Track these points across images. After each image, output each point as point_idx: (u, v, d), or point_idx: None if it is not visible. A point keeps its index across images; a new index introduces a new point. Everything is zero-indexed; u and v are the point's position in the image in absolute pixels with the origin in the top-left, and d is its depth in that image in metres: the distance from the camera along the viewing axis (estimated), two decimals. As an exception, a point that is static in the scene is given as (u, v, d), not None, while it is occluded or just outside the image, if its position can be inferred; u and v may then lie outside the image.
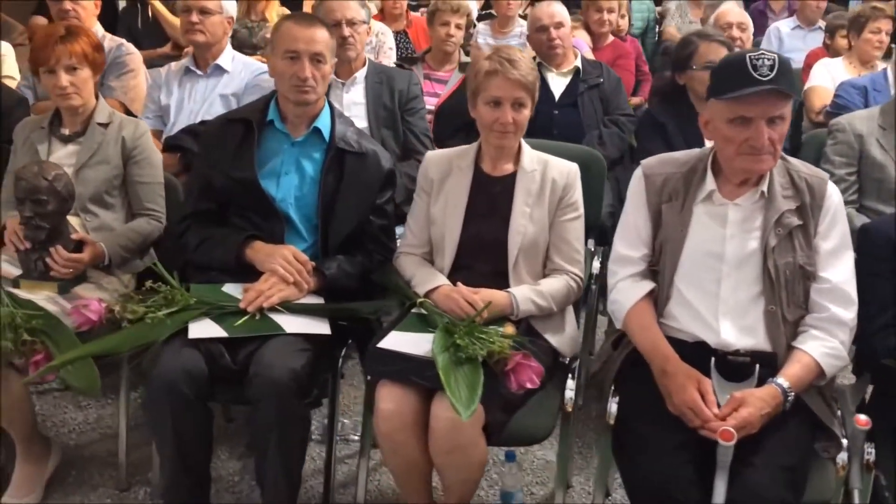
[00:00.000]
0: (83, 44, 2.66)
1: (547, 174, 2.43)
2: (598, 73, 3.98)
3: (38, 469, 2.58)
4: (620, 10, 5.21)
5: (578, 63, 3.98)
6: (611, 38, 5.05)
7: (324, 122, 2.55)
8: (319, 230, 2.52)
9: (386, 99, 3.44)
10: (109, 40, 3.75)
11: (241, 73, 3.54)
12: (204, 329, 2.20)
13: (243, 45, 5.18)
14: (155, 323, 2.18)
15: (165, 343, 2.17)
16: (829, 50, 5.32)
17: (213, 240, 2.48)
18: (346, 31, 3.32)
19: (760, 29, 7.19)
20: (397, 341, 2.12)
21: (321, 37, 2.43)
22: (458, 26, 4.25)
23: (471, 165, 2.47)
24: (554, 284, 2.37)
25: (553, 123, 3.81)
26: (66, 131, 2.75)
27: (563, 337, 2.39)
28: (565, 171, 2.45)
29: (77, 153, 2.70)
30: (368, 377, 2.21)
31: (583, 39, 4.89)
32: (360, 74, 3.46)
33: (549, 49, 3.96)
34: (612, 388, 2.22)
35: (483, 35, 5.98)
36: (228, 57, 3.56)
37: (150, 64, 4.02)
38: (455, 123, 3.76)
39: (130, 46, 3.79)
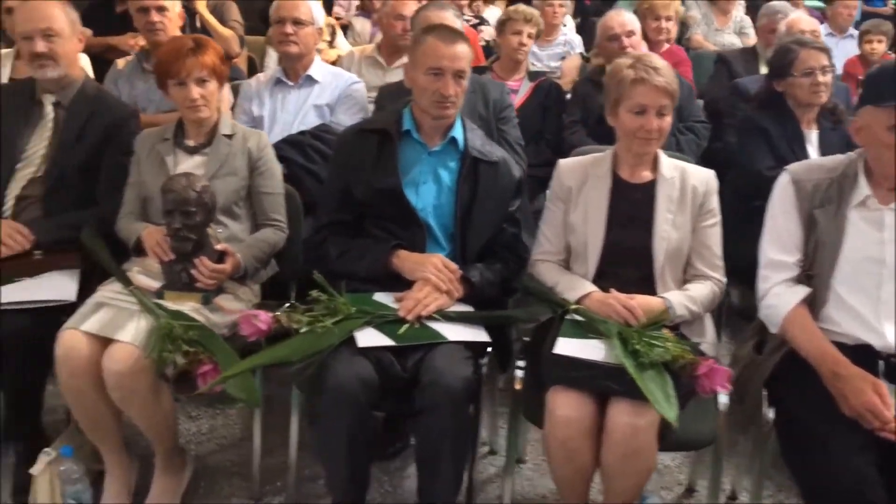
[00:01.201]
0: (212, 56, 2.67)
1: (686, 181, 2.47)
2: (670, 81, 4.02)
3: (177, 480, 2.59)
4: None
5: (650, 71, 4.01)
6: (666, 45, 5.10)
7: (458, 132, 2.58)
8: (458, 238, 2.54)
9: (481, 108, 3.46)
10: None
11: (332, 83, 3.56)
12: (371, 338, 2.21)
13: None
14: (324, 332, 2.19)
15: (333, 353, 2.18)
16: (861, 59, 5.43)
17: (357, 250, 2.50)
18: None
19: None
20: (570, 347, 2.15)
21: (463, 52, 2.46)
22: (529, 35, 4.28)
23: (608, 173, 2.51)
24: (702, 290, 2.41)
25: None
26: (190, 143, 2.76)
27: (707, 340, 2.43)
28: (704, 177, 2.49)
29: (205, 164, 2.71)
30: (544, 384, 2.20)
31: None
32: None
33: (622, 57, 4.00)
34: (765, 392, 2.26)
35: (526, 43, 6.03)
36: (318, 67, 3.58)
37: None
38: (528, 132, 3.82)
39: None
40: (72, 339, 2.32)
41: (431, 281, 2.37)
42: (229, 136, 2.76)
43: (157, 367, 2.30)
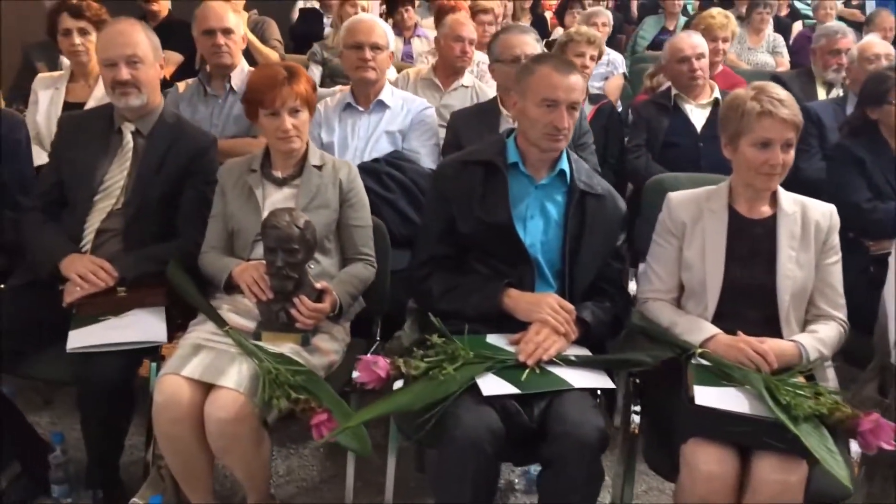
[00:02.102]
0: (305, 84, 2.57)
1: (808, 216, 2.37)
2: (738, 105, 3.93)
3: (268, 528, 2.47)
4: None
5: (717, 94, 3.94)
6: (720, 67, 5.01)
7: (565, 164, 2.47)
8: (566, 276, 2.43)
9: (559, 135, 3.35)
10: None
11: (402, 108, 3.45)
12: (494, 385, 2.10)
13: (337, 74, 5.12)
14: (446, 379, 2.07)
15: (456, 400, 2.06)
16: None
17: (463, 287, 2.39)
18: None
19: (808, 54, 7.26)
20: (710, 397, 2.03)
21: (577, 83, 2.36)
22: (592, 58, 4.19)
23: (724, 207, 2.40)
24: (829, 332, 2.30)
25: (700, 156, 3.76)
26: (278, 174, 2.64)
27: (830, 387, 2.31)
28: (826, 212, 2.39)
29: (295, 197, 2.60)
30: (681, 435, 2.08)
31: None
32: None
33: (691, 80, 3.93)
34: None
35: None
36: (388, 92, 3.47)
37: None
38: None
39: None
40: (173, 385, 2.20)
41: (549, 323, 2.26)
42: (318, 167, 2.65)
43: (261, 414, 2.18)
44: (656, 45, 6.87)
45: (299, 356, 2.33)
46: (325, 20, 6.92)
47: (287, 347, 2.34)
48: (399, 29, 6.36)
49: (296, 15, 7.24)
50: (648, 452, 2.24)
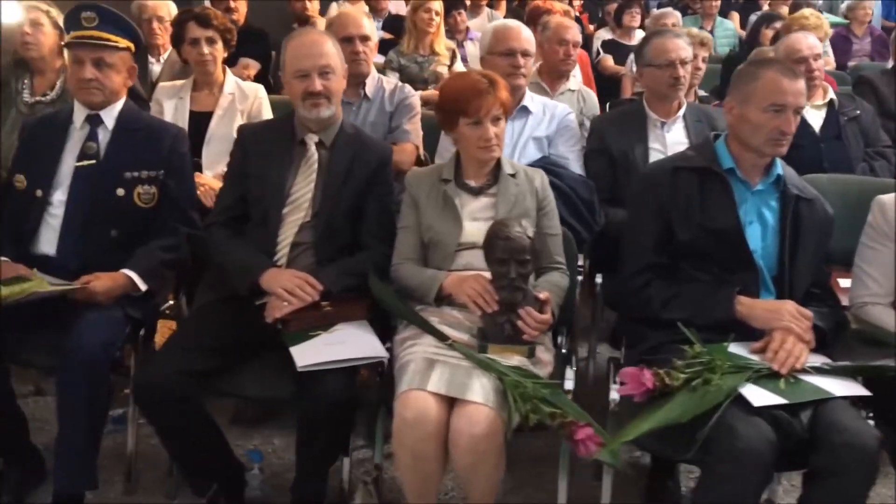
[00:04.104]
0: (504, 92, 2.54)
1: None
2: (854, 105, 3.95)
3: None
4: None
5: (832, 95, 3.94)
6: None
7: (780, 169, 2.46)
8: (785, 282, 2.41)
9: (709, 138, 3.34)
10: (386, 82, 3.62)
11: (544, 113, 3.43)
12: (762, 395, 2.07)
13: (413, 80, 5.08)
14: (713, 389, 2.04)
15: (726, 412, 2.04)
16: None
17: (686, 296, 2.37)
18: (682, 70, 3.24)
19: (845, 54, 7.34)
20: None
21: (803, 88, 2.36)
22: (703, 59, 4.19)
23: None
24: None
25: (822, 157, 3.76)
26: (472, 183, 2.61)
27: None
28: None
29: (494, 207, 2.57)
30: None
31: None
32: (680, 112, 3.37)
33: (809, 80, 3.89)
34: None
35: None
36: (529, 97, 3.44)
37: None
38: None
39: (409, 88, 3.66)
40: (420, 401, 2.16)
41: (794, 331, 2.24)
42: (513, 175, 2.62)
43: (508, 428, 2.15)
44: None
45: (529, 368, 2.30)
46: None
47: (515, 360, 2.31)
48: (451, 33, 6.33)
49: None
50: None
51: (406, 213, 2.63)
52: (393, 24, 6.45)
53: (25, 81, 3.57)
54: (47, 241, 2.66)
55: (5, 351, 2.48)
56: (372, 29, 3.56)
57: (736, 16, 8.51)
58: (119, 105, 2.77)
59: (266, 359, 2.51)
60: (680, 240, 2.40)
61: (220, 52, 3.59)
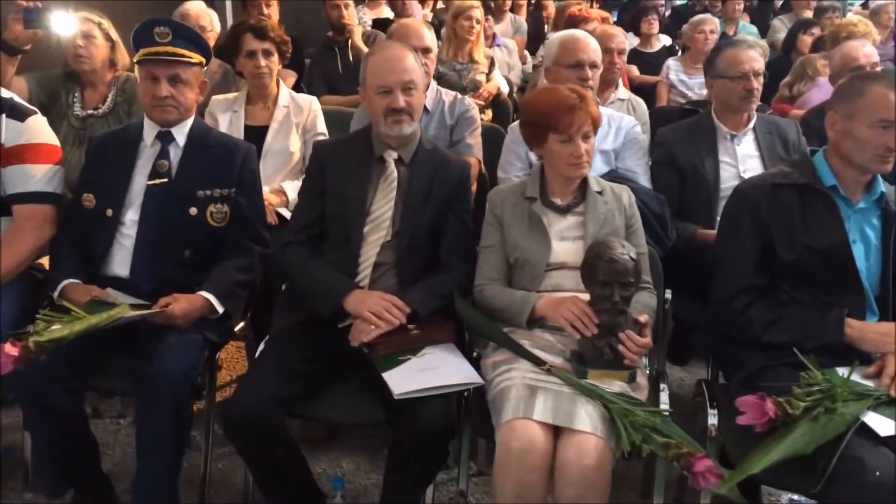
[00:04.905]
0: (594, 108, 2.47)
1: None
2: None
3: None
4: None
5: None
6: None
7: (882, 186, 2.39)
8: (890, 303, 2.34)
9: (780, 150, 3.27)
10: (445, 94, 3.55)
11: (609, 125, 3.35)
12: (884, 424, 2.00)
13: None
14: (836, 419, 1.97)
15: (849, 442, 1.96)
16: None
17: (790, 318, 2.30)
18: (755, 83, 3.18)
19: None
20: None
21: None
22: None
23: None
24: None
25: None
26: (558, 201, 2.54)
27: None
28: None
29: (581, 226, 2.49)
30: None
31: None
32: (750, 125, 3.30)
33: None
34: None
35: (675, 71, 5.88)
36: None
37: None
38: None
39: (469, 100, 3.60)
40: (527, 430, 2.08)
41: None
42: (600, 193, 2.55)
43: (615, 459, 2.07)
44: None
45: (631, 394, 2.22)
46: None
47: (616, 385, 2.23)
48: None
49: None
50: None
51: (489, 232, 2.56)
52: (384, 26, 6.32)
53: (76, 95, 3.49)
54: (120, 263, 2.59)
55: (83, 377, 2.40)
56: (433, 40, 3.49)
57: (746, 17, 8.44)
58: (190, 122, 2.70)
59: (350, 383, 2.44)
60: (783, 260, 2.33)
61: (275, 64, 3.52)
